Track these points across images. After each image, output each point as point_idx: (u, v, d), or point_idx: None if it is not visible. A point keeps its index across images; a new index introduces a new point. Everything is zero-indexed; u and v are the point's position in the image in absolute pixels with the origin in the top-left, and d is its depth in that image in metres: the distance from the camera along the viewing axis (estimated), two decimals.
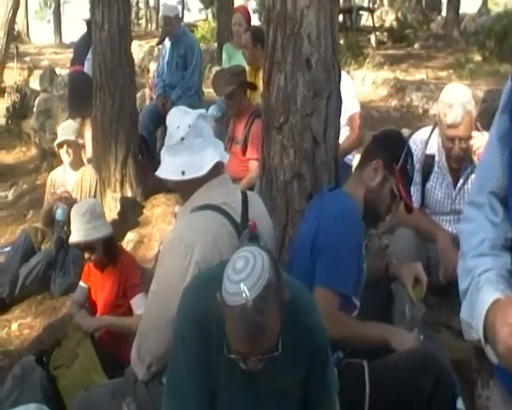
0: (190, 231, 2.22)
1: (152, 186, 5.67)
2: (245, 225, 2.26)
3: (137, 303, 3.39)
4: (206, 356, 1.87)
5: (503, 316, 1.20)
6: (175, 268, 2.17)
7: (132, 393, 2.25)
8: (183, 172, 2.26)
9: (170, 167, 2.31)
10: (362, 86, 8.99)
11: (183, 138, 2.27)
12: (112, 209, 5.38)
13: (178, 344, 1.91)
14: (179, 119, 2.31)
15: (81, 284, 3.77)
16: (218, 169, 2.32)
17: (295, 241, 2.57)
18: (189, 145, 2.27)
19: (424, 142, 3.39)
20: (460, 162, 3.29)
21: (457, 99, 3.21)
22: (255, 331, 1.68)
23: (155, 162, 6.09)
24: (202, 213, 2.24)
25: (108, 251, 3.53)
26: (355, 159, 4.89)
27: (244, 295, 1.67)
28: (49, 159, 7.27)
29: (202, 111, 2.39)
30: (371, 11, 16.11)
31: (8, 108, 9.23)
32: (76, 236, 3.51)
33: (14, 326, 4.58)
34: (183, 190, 2.40)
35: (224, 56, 6.43)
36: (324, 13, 3.16)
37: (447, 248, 3.10)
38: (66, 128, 5.05)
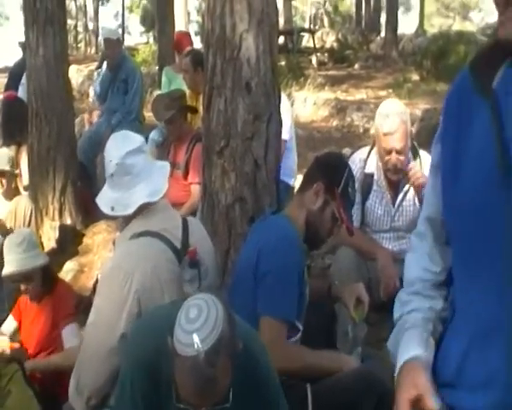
0: (129, 258, 2.22)
1: (92, 214, 5.59)
2: (185, 251, 2.27)
3: (68, 335, 3.28)
4: (155, 402, 1.84)
5: (407, 385, 1.31)
6: (114, 297, 2.15)
7: None
8: (113, 208, 2.35)
9: (103, 199, 2.40)
10: (304, 107, 9.15)
11: (112, 174, 2.36)
12: (50, 238, 5.27)
13: (126, 386, 1.87)
14: (111, 153, 2.39)
15: (10, 318, 3.64)
16: (150, 203, 2.34)
17: (237, 265, 2.59)
18: (118, 182, 2.35)
19: (363, 161, 3.49)
20: (398, 174, 3.38)
21: (393, 110, 3.39)
22: (206, 384, 1.65)
23: (95, 189, 6.05)
24: (141, 240, 2.25)
25: (46, 281, 3.44)
26: (297, 180, 4.97)
27: (196, 346, 1.62)
28: None
29: (136, 145, 2.39)
30: (312, 32, 16.40)
31: None
32: (12, 266, 3.40)
33: None
34: (121, 218, 2.44)
35: (164, 80, 6.45)
36: (263, 36, 3.22)
37: (387, 266, 3.21)
38: None
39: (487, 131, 1.24)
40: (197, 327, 1.65)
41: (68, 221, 5.49)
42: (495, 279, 1.25)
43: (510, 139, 1.21)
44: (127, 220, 2.36)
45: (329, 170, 2.57)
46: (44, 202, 5.42)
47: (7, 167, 4.84)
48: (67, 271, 4.95)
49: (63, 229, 5.40)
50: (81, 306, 3.48)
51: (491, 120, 1.23)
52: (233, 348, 1.71)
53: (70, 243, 5.35)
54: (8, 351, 3.30)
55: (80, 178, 5.77)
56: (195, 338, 1.63)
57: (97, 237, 5.42)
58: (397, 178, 3.41)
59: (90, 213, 5.66)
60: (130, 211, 2.31)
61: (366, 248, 3.34)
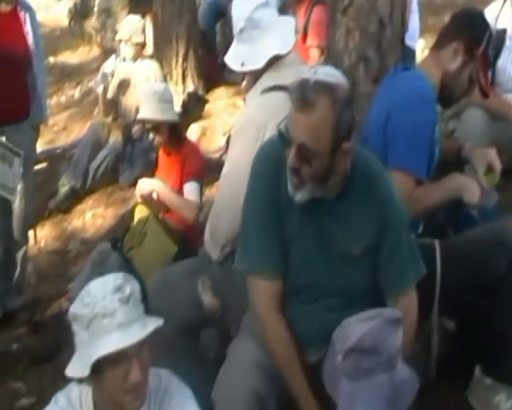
0: (261, 112, 2.17)
1: (213, 79, 5.59)
2: None
3: (188, 189, 3.32)
4: (278, 208, 1.81)
5: None
6: (247, 151, 2.10)
7: (208, 271, 2.25)
8: (243, 64, 2.30)
9: (233, 56, 2.35)
10: None
11: (241, 30, 2.31)
12: (175, 103, 5.31)
13: (250, 200, 1.87)
14: (239, 9, 2.33)
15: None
16: (280, 55, 2.26)
17: (366, 123, 2.44)
18: (248, 37, 2.29)
19: (494, 18, 3.17)
20: None
21: None
22: (303, 104, 1.65)
23: (215, 56, 6.01)
24: (272, 95, 2.18)
25: (173, 137, 3.45)
26: (418, 44, 4.64)
27: (313, 75, 1.66)
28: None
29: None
30: None
31: (70, 9, 9.12)
32: (144, 112, 3.46)
33: (88, 216, 4.70)
34: (250, 75, 2.37)
35: None
36: None
37: None
38: (128, 24, 4.98)
39: None
40: (323, 70, 1.73)
41: (191, 87, 5.53)
42: None
43: None
44: (257, 76, 2.29)
45: (471, 28, 2.30)
46: (168, 67, 5.46)
47: (141, 38, 4.88)
48: (191, 133, 5.01)
49: (186, 94, 5.44)
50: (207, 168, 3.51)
51: None
52: (341, 111, 1.67)
53: (193, 107, 5.39)
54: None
55: (201, 44, 5.73)
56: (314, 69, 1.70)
57: (218, 102, 5.43)
58: None
59: (210, 78, 5.67)
60: (261, 65, 2.23)
61: (497, 107, 3.05)
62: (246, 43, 2.28)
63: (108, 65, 4.92)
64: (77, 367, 1.55)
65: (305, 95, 1.65)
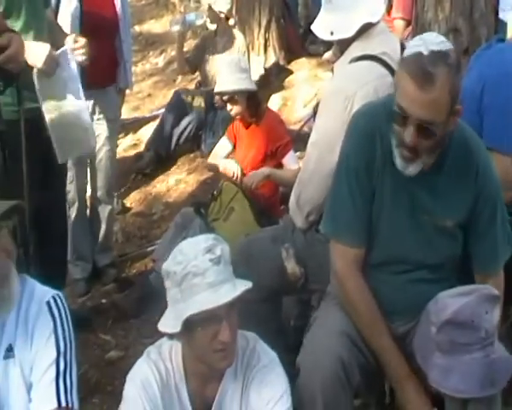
0: (350, 81, 2.10)
1: (294, 50, 5.52)
2: None
3: (290, 160, 3.28)
4: (370, 173, 1.78)
5: None
6: (335, 119, 2.06)
7: (291, 239, 2.24)
8: (332, 33, 2.20)
9: (321, 25, 2.25)
10: None
11: None
12: (256, 73, 5.29)
13: (343, 162, 1.83)
14: None
15: (225, 139, 3.62)
16: (370, 24, 2.16)
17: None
18: (338, 5, 2.20)
19: None
20: None
21: None
22: (425, 79, 1.58)
23: (297, 27, 5.92)
24: (361, 64, 2.11)
25: (251, 107, 3.37)
26: (510, 16, 4.39)
27: (423, 46, 1.61)
28: (195, 26, 7.23)
29: None
30: None
31: None
32: (220, 86, 3.43)
33: (172, 181, 4.77)
34: (338, 44, 2.29)
35: None
36: None
37: None
38: None
39: None
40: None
41: (272, 57, 5.48)
42: None
43: None
44: (345, 45, 2.20)
45: None
46: (250, 37, 5.43)
47: (224, 8, 4.86)
48: (272, 104, 4.97)
49: (268, 64, 5.41)
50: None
51: None
52: (455, 76, 1.63)
53: (274, 77, 5.35)
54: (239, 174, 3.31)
55: (283, 15, 5.65)
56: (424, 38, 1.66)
57: (299, 73, 5.35)
58: None
59: (292, 49, 5.60)
60: (351, 33, 2.15)
61: None
62: (335, 11, 2.19)
63: (190, 16, 4.92)
64: (169, 323, 1.58)
65: (423, 69, 1.59)
